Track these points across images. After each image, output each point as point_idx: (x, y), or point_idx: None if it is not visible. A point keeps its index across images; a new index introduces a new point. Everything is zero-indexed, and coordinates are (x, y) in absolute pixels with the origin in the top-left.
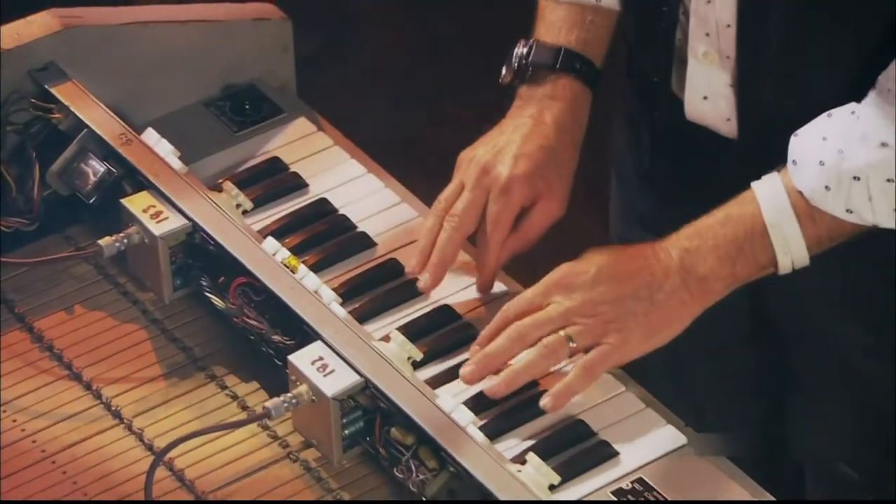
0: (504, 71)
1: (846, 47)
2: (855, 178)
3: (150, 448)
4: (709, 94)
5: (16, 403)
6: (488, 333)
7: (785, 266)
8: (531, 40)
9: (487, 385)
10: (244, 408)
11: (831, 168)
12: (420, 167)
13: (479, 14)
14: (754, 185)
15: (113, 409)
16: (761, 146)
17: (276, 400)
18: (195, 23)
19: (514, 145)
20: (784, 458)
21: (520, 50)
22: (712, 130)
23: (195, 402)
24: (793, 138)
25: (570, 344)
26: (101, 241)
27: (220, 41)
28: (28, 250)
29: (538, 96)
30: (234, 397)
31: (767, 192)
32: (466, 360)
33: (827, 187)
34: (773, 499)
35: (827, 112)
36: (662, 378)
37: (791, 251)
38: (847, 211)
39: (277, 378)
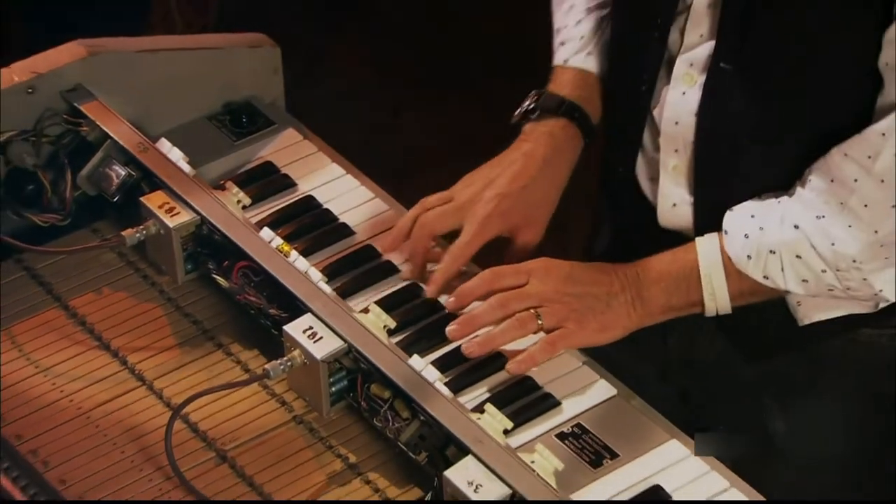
0: (516, 113)
1: (791, 162)
2: (771, 251)
3: (168, 404)
4: (678, 202)
5: (55, 369)
6: (467, 291)
7: (710, 309)
8: (542, 91)
9: (465, 345)
10: (247, 370)
11: (753, 241)
12: (383, 169)
13: (431, 43)
14: (698, 239)
15: (136, 372)
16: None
17: (273, 363)
18: (200, 50)
19: (502, 182)
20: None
21: (530, 98)
22: (677, 234)
23: (205, 367)
24: (728, 212)
25: (538, 321)
26: (123, 233)
27: (221, 65)
28: (62, 242)
29: (538, 134)
30: (238, 362)
31: (706, 246)
32: (432, 325)
33: (749, 256)
34: (692, 443)
35: (758, 195)
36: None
37: (716, 298)
38: (764, 277)
39: (274, 345)
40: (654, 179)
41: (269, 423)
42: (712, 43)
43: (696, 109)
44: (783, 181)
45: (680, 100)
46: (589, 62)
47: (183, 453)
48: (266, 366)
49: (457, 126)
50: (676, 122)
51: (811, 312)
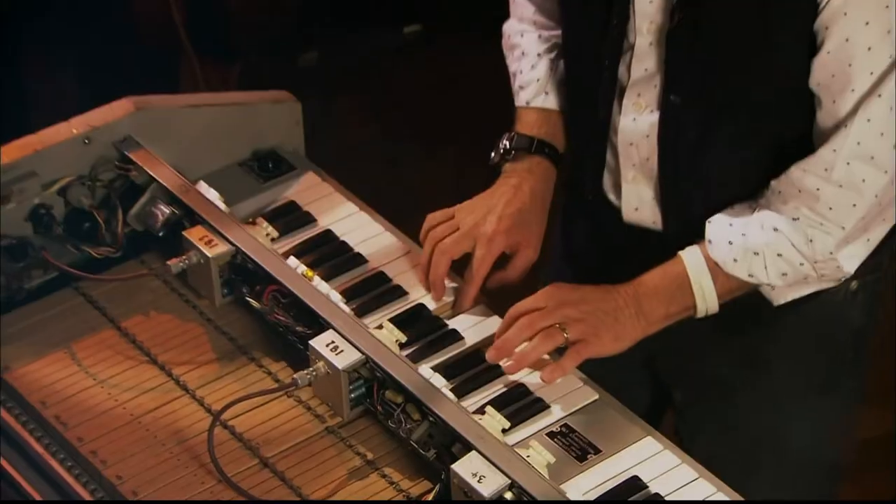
0: (493, 155)
1: (743, 166)
2: (755, 253)
3: (208, 410)
4: (638, 205)
5: (111, 381)
6: (501, 328)
7: (701, 310)
8: (513, 133)
9: (505, 366)
10: (277, 380)
11: (737, 246)
12: (385, 208)
13: (422, 107)
14: (681, 253)
15: (181, 383)
16: (683, 235)
17: (300, 373)
18: (231, 105)
19: (500, 207)
20: None
21: (504, 140)
22: (641, 227)
23: (241, 378)
24: (708, 224)
25: (564, 334)
26: (168, 263)
27: (250, 118)
28: (115, 271)
29: (518, 170)
30: (269, 373)
31: (692, 258)
32: (438, 339)
33: (735, 259)
34: (667, 441)
35: (730, 206)
36: None
37: (706, 300)
38: (749, 275)
39: (301, 358)
40: (617, 187)
41: (297, 425)
42: (656, 75)
43: (646, 131)
44: (736, 182)
45: (631, 125)
46: (548, 101)
47: (222, 452)
48: (294, 375)
49: (448, 172)
50: (631, 143)
51: (785, 294)
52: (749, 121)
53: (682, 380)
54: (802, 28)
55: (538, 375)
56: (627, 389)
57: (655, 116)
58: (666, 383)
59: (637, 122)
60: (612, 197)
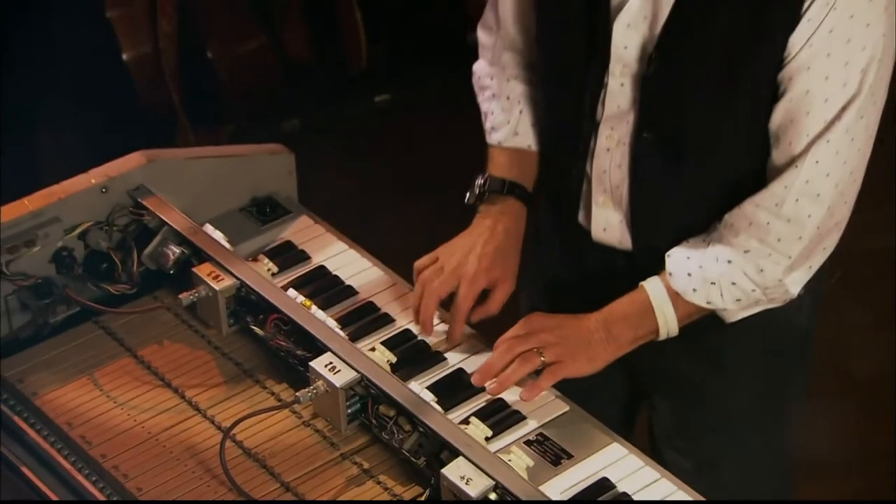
0: (468, 195)
1: (708, 197)
2: (712, 283)
3: (219, 427)
4: (606, 227)
5: (130, 404)
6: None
7: (662, 334)
8: (486, 175)
9: (489, 388)
10: (280, 399)
11: (695, 277)
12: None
13: (404, 158)
14: (644, 283)
15: (193, 403)
16: (649, 255)
17: (302, 391)
18: (233, 157)
19: (479, 247)
20: None
21: (479, 181)
22: (610, 247)
23: (247, 398)
24: (667, 257)
25: (541, 358)
26: (180, 297)
27: (249, 168)
28: (131, 306)
29: (493, 212)
30: (273, 393)
31: (654, 288)
32: (425, 359)
33: (694, 289)
34: (638, 451)
35: (685, 240)
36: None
37: (668, 324)
38: (707, 302)
39: (301, 380)
40: (588, 209)
41: (300, 438)
42: (628, 112)
43: (619, 161)
44: (700, 210)
45: (605, 155)
46: (518, 141)
47: (232, 464)
48: (296, 394)
49: (416, 222)
50: (604, 171)
51: (736, 315)
52: (716, 158)
53: (654, 377)
54: (768, 79)
55: (515, 392)
56: (605, 386)
57: (628, 148)
58: (640, 380)
59: (611, 152)
60: (581, 220)
